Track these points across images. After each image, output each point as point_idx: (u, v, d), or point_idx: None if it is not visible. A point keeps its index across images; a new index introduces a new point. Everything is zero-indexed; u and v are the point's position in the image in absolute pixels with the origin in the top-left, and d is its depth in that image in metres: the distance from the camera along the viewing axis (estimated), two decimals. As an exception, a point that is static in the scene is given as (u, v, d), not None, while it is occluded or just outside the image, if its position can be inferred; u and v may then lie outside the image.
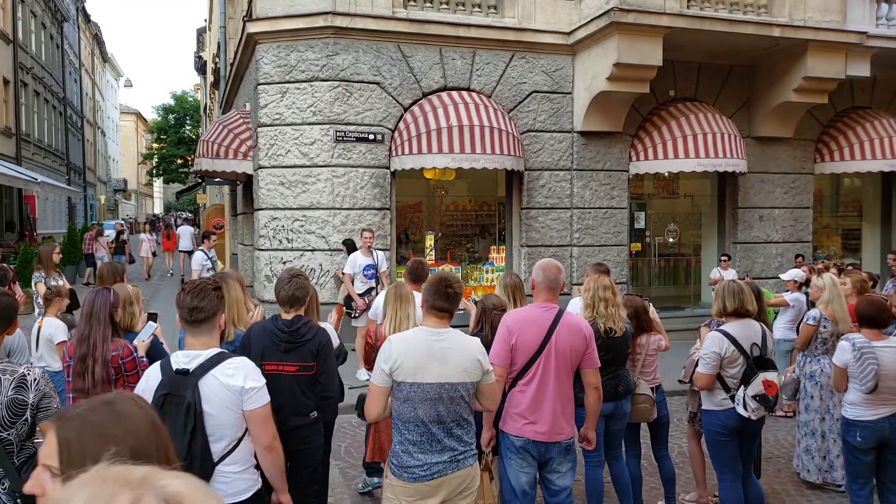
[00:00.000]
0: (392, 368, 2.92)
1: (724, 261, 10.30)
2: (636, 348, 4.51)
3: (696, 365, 4.48)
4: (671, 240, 11.79)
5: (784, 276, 7.73)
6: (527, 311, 3.51)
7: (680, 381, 4.84)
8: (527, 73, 10.00)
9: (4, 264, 4.85)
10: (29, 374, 2.67)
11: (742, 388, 4.02)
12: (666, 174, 11.08)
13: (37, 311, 7.37)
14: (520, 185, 10.12)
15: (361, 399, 4.23)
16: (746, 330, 4.08)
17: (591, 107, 9.84)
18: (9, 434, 2.59)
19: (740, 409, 4.00)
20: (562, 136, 10.18)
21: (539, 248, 10.02)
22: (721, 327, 4.17)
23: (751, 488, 4.23)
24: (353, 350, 7.60)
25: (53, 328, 4.81)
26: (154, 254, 19.42)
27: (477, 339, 3.17)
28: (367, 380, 4.35)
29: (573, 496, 3.55)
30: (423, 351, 2.92)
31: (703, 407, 4.27)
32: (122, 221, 26.81)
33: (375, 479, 4.82)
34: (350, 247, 8.84)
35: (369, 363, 4.21)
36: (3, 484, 2.59)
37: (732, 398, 4.08)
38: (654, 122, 10.44)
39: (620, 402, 4.26)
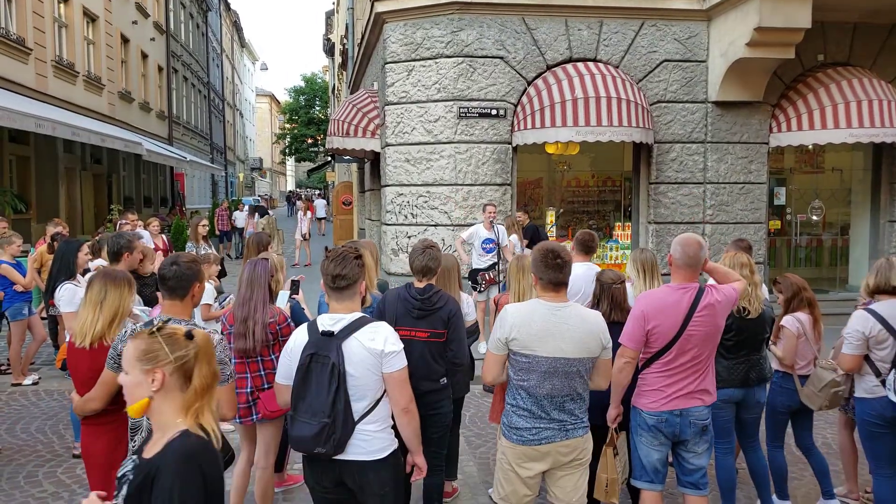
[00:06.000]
0: (507, 338, 2.93)
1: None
2: (820, 322, 4.25)
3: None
4: (815, 217, 10.93)
5: None
6: (664, 294, 3.32)
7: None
8: (657, 41, 9.55)
9: (125, 233, 5.27)
10: (212, 338, 2.83)
11: (893, 372, 3.70)
12: (811, 146, 10.24)
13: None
14: (648, 159, 9.74)
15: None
16: None
17: (728, 75, 9.24)
18: None
19: (891, 396, 3.68)
20: (695, 106, 9.66)
21: (668, 226, 9.63)
22: (869, 305, 3.85)
23: None
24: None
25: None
26: (305, 237, 16.90)
27: (598, 313, 3.10)
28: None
29: (707, 478, 3.43)
30: (538, 324, 2.90)
31: (855, 394, 3.96)
32: (259, 197, 28.46)
33: None
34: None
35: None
36: None
37: (883, 383, 3.76)
38: (799, 90, 9.64)
39: (752, 390, 3.99)
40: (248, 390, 3.69)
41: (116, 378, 2.83)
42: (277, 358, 3.72)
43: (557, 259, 2.95)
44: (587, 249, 4.94)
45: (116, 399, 2.92)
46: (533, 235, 9.22)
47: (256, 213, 16.92)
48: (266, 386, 3.73)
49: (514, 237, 8.66)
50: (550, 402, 2.92)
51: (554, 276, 2.95)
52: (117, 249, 4.64)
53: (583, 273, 4.60)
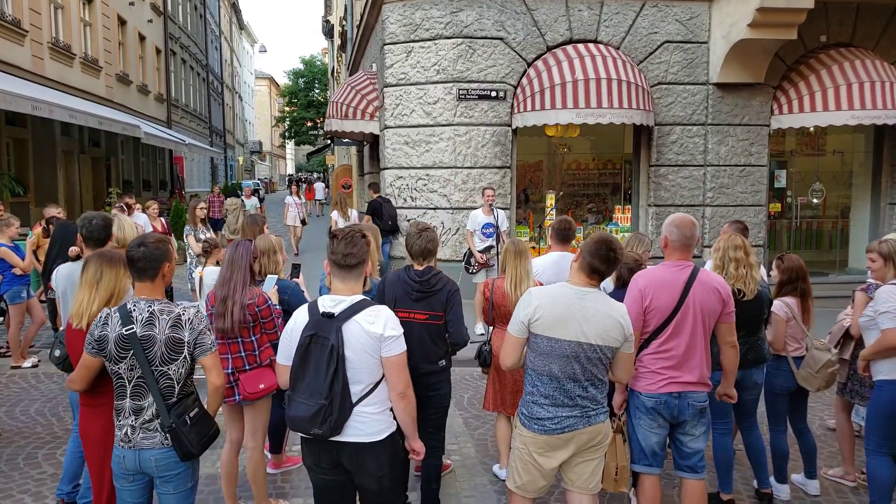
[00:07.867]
0: (530, 319, 2.89)
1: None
2: (812, 311, 4.24)
3: (846, 332, 4.16)
4: (815, 200, 10.90)
5: None
6: (660, 272, 3.35)
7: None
8: (658, 22, 9.46)
9: (104, 215, 4.60)
10: (184, 313, 2.81)
11: None
12: (812, 129, 10.18)
13: (188, 260, 8.08)
14: (649, 141, 9.69)
15: (481, 351, 4.31)
16: None
17: (729, 56, 9.17)
18: (168, 369, 2.77)
19: None
20: (696, 88, 9.60)
21: (668, 208, 9.61)
22: (882, 286, 3.82)
23: None
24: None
25: (214, 276, 5.22)
26: (304, 222, 16.42)
27: (622, 305, 3.05)
28: (482, 333, 4.44)
29: (705, 461, 3.44)
30: (563, 307, 2.87)
31: (880, 377, 3.81)
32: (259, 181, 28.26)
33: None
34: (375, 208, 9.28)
35: (486, 317, 4.27)
36: (158, 419, 2.77)
37: None
38: (800, 72, 9.58)
39: (749, 371, 3.98)
40: (230, 371, 3.69)
41: (95, 362, 2.84)
42: (257, 340, 3.73)
43: (610, 252, 2.90)
44: (564, 238, 4.86)
45: (106, 381, 2.92)
46: (375, 210, 9.21)
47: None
48: (247, 367, 3.72)
49: (348, 212, 9.01)
50: (574, 385, 2.89)
51: (596, 264, 2.89)
52: (104, 237, 4.18)
53: (553, 262, 4.55)
